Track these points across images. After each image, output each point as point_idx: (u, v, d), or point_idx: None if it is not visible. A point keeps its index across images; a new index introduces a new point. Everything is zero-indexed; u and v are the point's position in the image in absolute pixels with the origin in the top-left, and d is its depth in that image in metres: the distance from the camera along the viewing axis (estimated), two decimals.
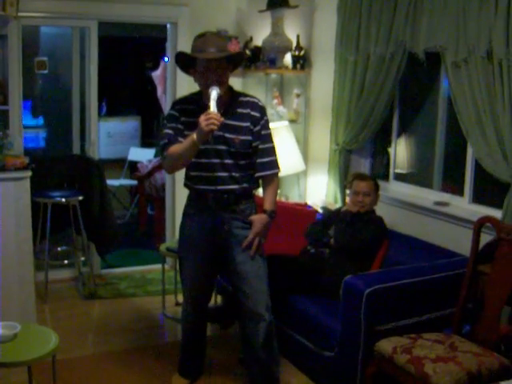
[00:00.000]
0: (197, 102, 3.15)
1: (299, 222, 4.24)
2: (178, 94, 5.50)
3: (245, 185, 3.17)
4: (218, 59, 2.97)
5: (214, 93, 2.91)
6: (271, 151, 3.20)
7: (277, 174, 3.22)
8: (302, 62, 5.40)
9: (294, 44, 5.42)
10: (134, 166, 7.76)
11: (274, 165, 3.20)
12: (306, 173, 5.50)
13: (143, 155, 7.98)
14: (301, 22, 5.44)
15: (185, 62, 3.11)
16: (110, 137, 8.06)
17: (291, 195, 5.56)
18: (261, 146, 3.15)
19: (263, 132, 3.15)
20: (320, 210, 4.81)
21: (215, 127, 2.80)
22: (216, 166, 3.12)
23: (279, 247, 3.96)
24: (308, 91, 5.46)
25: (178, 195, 5.72)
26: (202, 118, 2.80)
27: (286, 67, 5.47)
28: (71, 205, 5.25)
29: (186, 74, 3.16)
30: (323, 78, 5.24)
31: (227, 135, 3.05)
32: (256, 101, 3.16)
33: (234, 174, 3.13)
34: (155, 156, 7.78)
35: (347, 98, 4.81)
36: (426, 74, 4.49)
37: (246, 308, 3.22)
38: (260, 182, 3.29)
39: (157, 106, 7.13)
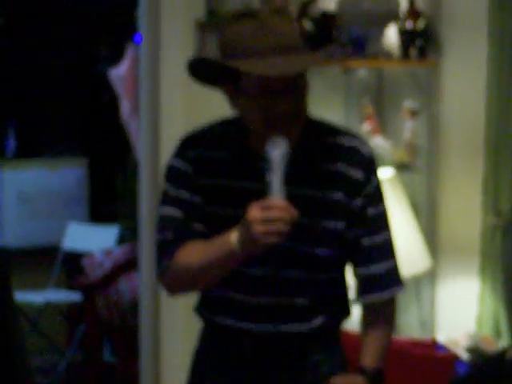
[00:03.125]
0: (235, 143, 2.37)
1: (419, 379, 3.69)
2: (164, 113, 4.21)
3: (322, 320, 2.38)
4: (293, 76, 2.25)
5: (279, 154, 2.15)
6: (387, 250, 2.39)
7: (396, 297, 2.47)
8: (422, 43, 4.16)
9: (404, 7, 4.25)
10: (74, 264, 6.01)
11: (394, 278, 2.42)
12: (435, 275, 4.24)
13: (94, 240, 6.12)
14: None
15: (209, 72, 2.32)
16: (24, 201, 6.66)
17: (403, 322, 4.37)
18: (366, 241, 2.36)
19: (371, 211, 2.36)
20: (464, 355, 3.82)
21: (280, 238, 2.08)
22: (264, 283, 2.35)
23: None
24: (436, 105, 4.25)
25: (168, 321, 4.33)
26: (256, 216, 2.08)
27: (389, 55, 4.25)
28: None
29: (213, 87, 2.40)
30: (467, 76, 4.16)
31: (298, 219, 2.22)
32: (357, 145, 2.38)
33: (301, 299, 2.36)
34: (119, 242, 5.92)
35: None
36: None
37: None
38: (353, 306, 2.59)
39: (121, 138, 5.62)
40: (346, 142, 2.40)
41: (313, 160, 2.38)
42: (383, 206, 2.41)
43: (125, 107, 5.34)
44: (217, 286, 2.42)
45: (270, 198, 2.10)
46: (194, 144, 2.41)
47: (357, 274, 2.43)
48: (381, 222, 2.43)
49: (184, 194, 2.37)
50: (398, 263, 2.45)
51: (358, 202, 2.37)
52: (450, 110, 4.15)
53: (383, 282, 2.42)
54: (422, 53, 4.10)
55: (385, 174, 3.89)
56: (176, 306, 3.67)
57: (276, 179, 2.14)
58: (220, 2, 4.16)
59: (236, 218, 2.17)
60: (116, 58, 5.67)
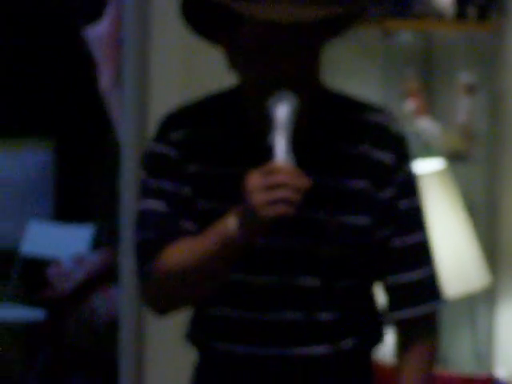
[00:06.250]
0: (231, 119, 2.11)
1: None
2: (155, 83, 3.77)
3: (353, 342, 2.10)
4: (307, 25, 1.91)
5: (284, 111, 1.87)
6: (422, 254, 2.07)
7: (436, 313, 2.13)
8: (483, 1, 3.89)
9: None
10: (36, 273, 5.66)
11: (431, 290, 2.10)
12: (494, 295, 3.86)
13: (61, 244, 5.79)
14: None
15: (206, 16, 2.06)
16: None
17: (454, 354, 3.99)
18: (396, 243, 2.07)
19: (403, 204, 2.09)
20: None
21: (289, 209, 1.82)
22: (277, 296, 2.09)
23: None
24: (499, 79, 3.92)
25: (155, 347, 3.78)
26: (256, 183, 1.86)
27: (440, 15, 3.88)
28: None
29: (209, 42, 2.08)
30: None
31: (310, 213, 2.01)
32: (385, 122, 2.11)
33: (324, 314, 2.11)
34: (94, 247, 5.63)
35: None
36: None
37: None
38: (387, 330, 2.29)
39: (99, 115, 5.11)
40: (370, 117, 2.15)
41: (327, 140, 2.11)
42: (418, 199, 2.18)
43: (104, 76, 4.76)
44: (215, 302, 2.11)
45: (273, 161, 1.88)
46: (178, 124, 2.14)
47: (385, 285, 2.17)
48: (415, 219, 2.17)
49: (169, 185, 2.11)
50: (435, 272, 2.20)
51: (387, 192, 2.12)
52: None
53: (417, 294, 2.16)
54: (483, 12, 3.81)
55: (433, 165, 3.54)
56: (165, 328, 3.35)
57: (281, 140, 1.90)
58: None
59: None
60: (93, 13, 5.00)
